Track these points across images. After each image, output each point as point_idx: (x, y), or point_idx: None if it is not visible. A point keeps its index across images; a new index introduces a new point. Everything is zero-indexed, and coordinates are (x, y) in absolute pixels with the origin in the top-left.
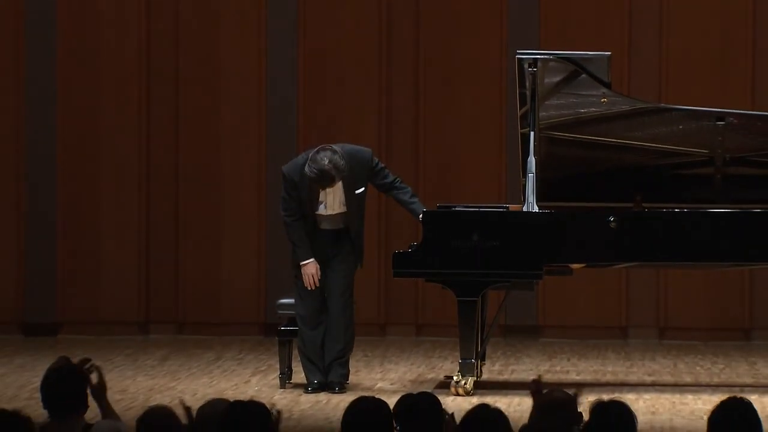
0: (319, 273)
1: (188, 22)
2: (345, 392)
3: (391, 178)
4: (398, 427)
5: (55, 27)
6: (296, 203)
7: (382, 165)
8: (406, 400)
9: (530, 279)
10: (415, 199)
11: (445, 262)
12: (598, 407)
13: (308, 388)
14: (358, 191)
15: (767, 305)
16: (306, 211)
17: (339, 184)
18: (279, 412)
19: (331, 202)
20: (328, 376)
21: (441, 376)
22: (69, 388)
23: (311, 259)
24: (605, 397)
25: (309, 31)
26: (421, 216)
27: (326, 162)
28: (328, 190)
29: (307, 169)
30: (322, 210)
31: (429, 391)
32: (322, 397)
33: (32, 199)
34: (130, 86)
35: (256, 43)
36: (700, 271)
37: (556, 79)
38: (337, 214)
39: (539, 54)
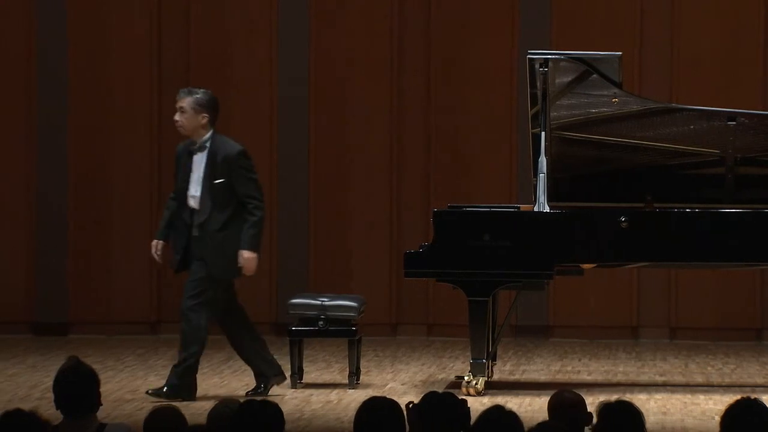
0: (158, 251)
1: (199, 30)
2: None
3: (245, 191)
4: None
5: (65, 29)
6: (176, 179)
7: (249, 174)
8: (431, 397)
9: (541, 279)
10: (250, 231)
11: (455, 262)
12: (605, 408)
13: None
14: (216, 181)
15: None
16: (179, 191)
17: (201, 168)
18: None
19: (196, 180)
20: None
21: (452, 377)
22: (80, 387)
23: (155, 241)
24: (612, 398)
25: (319, 31)
26: None
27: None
28: (194, 165)
29: None
30: (192, 191)
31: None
32: (333, 397)
33: (43, 198)
34: (141, 90)
35: (267, 49)
36: (711, 271)
37: (567, 79)
38: (201, 209)
39: (550, 54)
